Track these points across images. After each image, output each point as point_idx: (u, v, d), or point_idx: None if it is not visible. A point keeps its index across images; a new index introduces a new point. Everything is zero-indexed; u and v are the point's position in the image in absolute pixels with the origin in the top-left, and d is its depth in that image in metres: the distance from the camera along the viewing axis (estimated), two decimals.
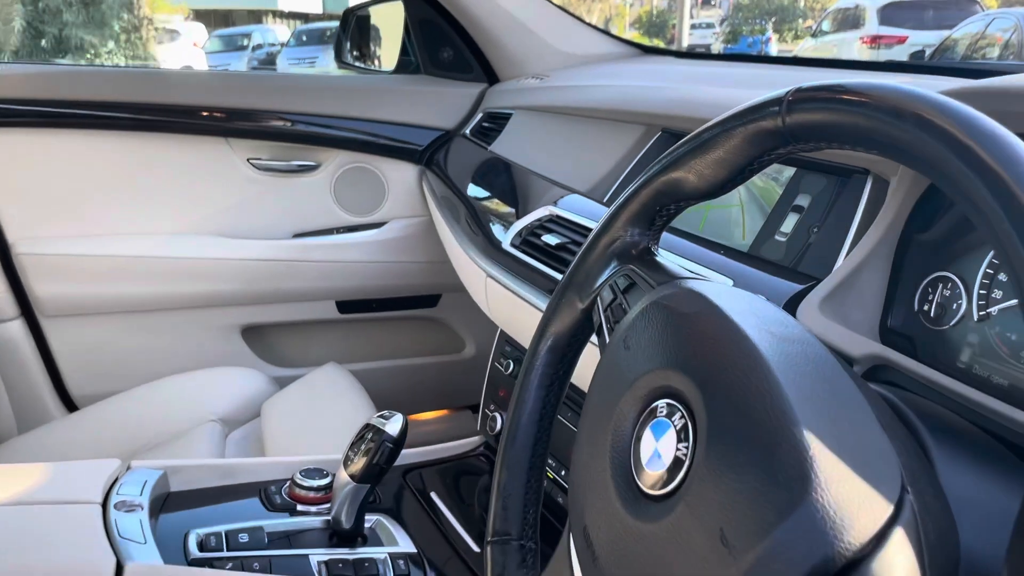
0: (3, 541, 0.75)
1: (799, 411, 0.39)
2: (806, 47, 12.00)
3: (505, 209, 1.25)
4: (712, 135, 0.51)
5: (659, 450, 0.44)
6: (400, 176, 1.65)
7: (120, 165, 1.53)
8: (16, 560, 0.73)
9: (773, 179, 0.91)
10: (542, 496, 0.62)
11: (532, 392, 0.62)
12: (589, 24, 1.62)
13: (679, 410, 0.44)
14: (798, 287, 0.74)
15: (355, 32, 1.81)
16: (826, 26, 11.55)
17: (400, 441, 0.85)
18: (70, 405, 1.62)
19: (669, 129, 1.05)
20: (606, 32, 1.64)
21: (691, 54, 1.54)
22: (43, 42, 7.86)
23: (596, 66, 1.55)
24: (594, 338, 0.59)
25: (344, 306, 1.69)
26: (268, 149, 1.60)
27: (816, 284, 0.71)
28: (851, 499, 0.36)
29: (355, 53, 1.82)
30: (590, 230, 1.00)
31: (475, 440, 1.15)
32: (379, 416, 0.86)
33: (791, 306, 0.72)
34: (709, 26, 19.70)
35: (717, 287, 0.50)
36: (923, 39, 9.11)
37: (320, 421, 1.38)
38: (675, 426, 0.43)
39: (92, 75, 1.51)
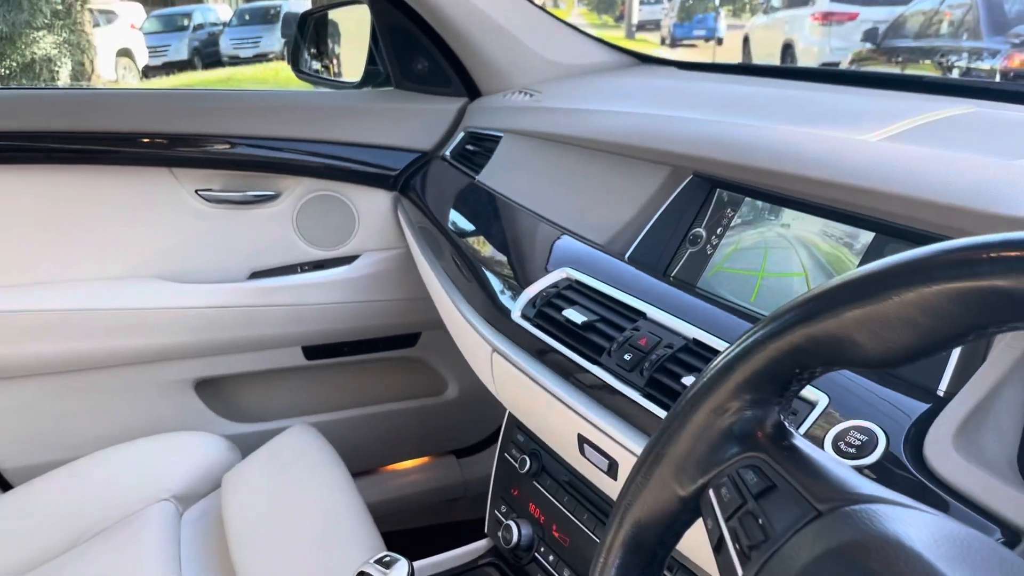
0: None
1: None
2: (756, 23, 11.95)
3: (501, 258, 1.07)
4: (902, 281, 0.34)
5: None
6: (372, 205, 1.47)
7: (44, 204, 1.32)
8: None
9: (846, 244, 0.76)
10: None
11: None
12: (579, 30, 1.45)
13: None
14: (896, 401, 0.59)
15: (314, 38, 1.61)
16: (776, 2, 11.51)
17: None
18: (1, 482, 1.41)
19: (703, 174, 0.89)
20: (600, 40, 1.46)
21: (694, 65, 1.38)
22: None
23: (592, 78, 1.38)
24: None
25: (311, 351, 1.51)
26: (219, 178, 1.40)
27: (936, 403, 0.56)
28: None
29: (315, 63, 1.62)
30: (617, 301, 0.84)
31: (483, 545, 0.99)
32: (378, 561, 0.69)
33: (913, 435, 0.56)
34: (658, 1, 19.58)
35: (926, 530, 0.33)
36: (873, 15, 9.10)
37: (288, 498, 1.20)
38: None
39: (8, 99, 1.29)
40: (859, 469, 0.54)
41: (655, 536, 0.45)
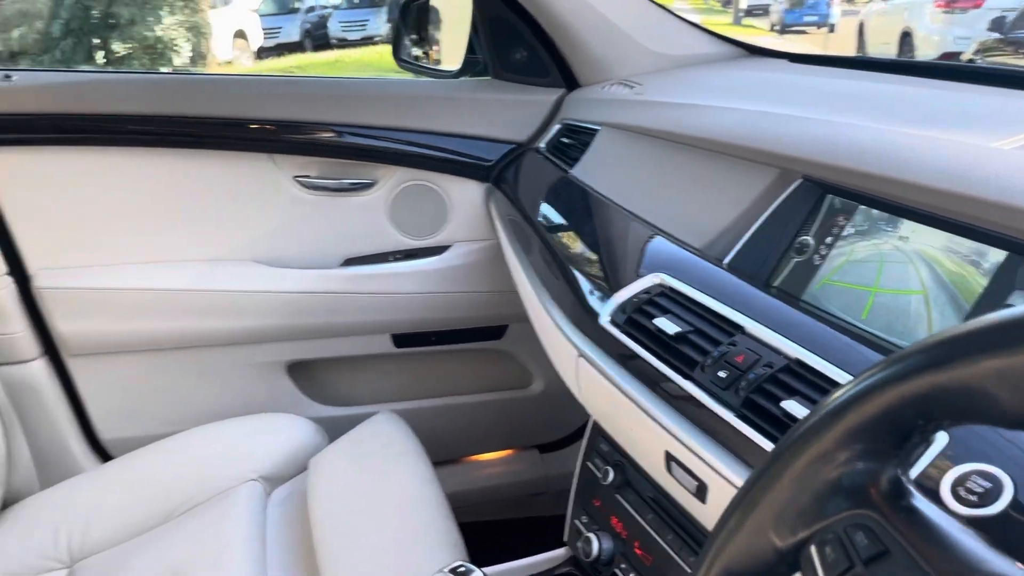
0: None
1: None
2: (872, 10, 11.37)
3: (593, 257, 1.04)
4: None
5: None
6: (465, 195, 1.45)
7: (150, 186, 1.36)
8: None
9: (972, 262, 0.69)
10: None
11: None
12: (686, 20, 1.39)
13: None
14: None
15: (415, 26, 1.60)
16: None
17: None
18: (100, 452, 1.47)
19: (814, 178, 0.83)
20: (706, 29, 1.40)
21: (807, 57, 1.30)
22: (94, 13, 7.76)
23: (696, 71, 1.33)
24: None
25: (400, 340, 1.51)
26: (318, 166, 1.41)
27: None
28: None
29: (415, 51, 1.61)
30: (713, 311, 0.79)
31: (561, 554, 0.96)
32: (451, 572, 0.67)
33: None
34: None
35: None
36: (1002, 2, 8.52)
37: (371, 486, 1.21)
38: None
39: (117, 84, 1.34)
40: (980, 520, 0.49)
41: None
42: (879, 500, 0.36)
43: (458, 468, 1.64)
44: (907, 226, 0.74)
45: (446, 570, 0.69)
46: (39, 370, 1.38)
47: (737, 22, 16.72)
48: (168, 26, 8.76)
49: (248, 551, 1.11)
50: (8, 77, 1.28)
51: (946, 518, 0.35)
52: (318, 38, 15.10)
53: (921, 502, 0.36)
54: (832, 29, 13.87)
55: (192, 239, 1.40)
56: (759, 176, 0.89)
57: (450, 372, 1.60)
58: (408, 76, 1.71)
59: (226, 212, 1.40)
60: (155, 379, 1.45)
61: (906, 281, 0.72)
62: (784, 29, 14.91)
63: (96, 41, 8.10)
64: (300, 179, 1.41)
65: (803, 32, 14.42)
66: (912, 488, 0.36)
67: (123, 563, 1.14)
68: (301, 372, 1.54)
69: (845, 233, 0.79)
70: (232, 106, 1.35)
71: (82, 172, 1.33)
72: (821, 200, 0.82)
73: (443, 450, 1.56)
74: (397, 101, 1.41)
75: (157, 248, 1.39)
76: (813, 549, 0.38)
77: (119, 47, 8.27)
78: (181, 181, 1.37)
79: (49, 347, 1.39)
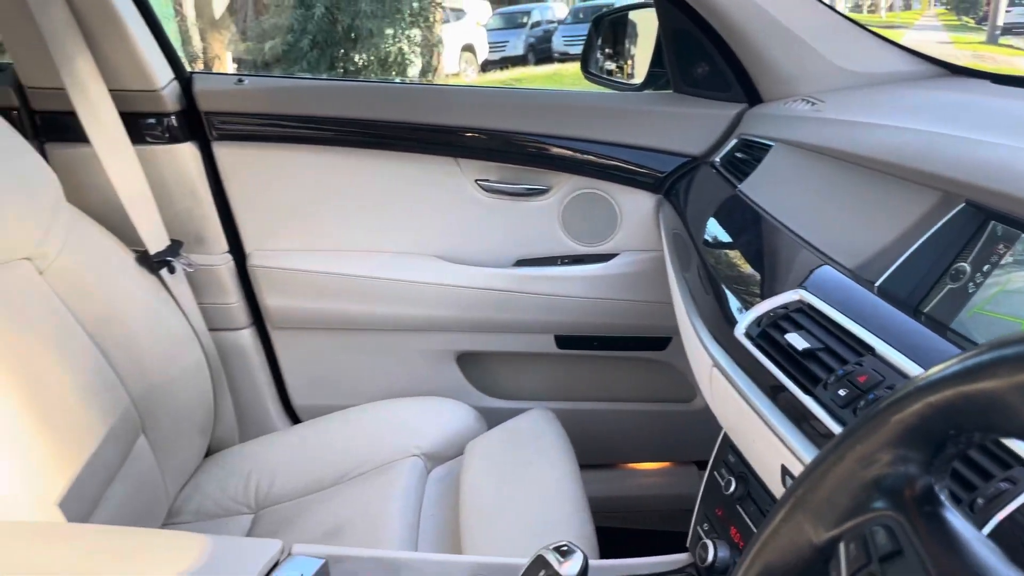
0: None
1: None
2: None
3: (742, 271, 1.03)
4: None
5: None
6: (635, 206, 1.48)
7: (351, 181, 1.52)
8: None
9: None
10: None
11: None
12: (882, 37, 1.33)
13: None
14: None
15: (604, 41, 1.66)
16: None
17: None
18: (291, 414, 1.66)
19: (977, 203, 0.78)
20: (903, 47, 1.33)
21: (1011, 79, 1.20)
22: (338, 27, 8.57)
23: (883, 89, 1.27)
24: None
25: (563, 341, 1.57)
26: (497, 170, 1.51)
27: None
28: None
29: (602, 65, 1.66)
30: (845, 330, 0.77)
31: (682, 559, 0.97)
32: (557, 548, 0.72)
33: None
34: None
35: None
36: None
37: (519, 474, 1.27)
38: None
39: (328, 90, 1.50)
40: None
41: None
42: (909, 503, 0.36)
43: (608, 473, 1.67)
44: None
45: (551, 547, 0.73)
46: (247, 338, 1.58)
47: (992, 40, 15.19)
48: (404, 40, 9.45)
49: (404, 520, 1.22)
50: (240, 81, 1.49)
51: (974, 531, 0.35)
52: (541, 52, 15.56)
53: (951, 512, 0.36)
54: None
55: (382, 232, 1.54)
56: (921, 198, 0.85)
57: (609, 378, 1.63)
58: (594, 89, 1.77)
59: (413, 209, 1.53)
60: (342, 355, 1.61)
61: None
62: None
63: (340, 52, 8.93)
64: (480, 182, 1.51)
65: None
66: (942, 497, 0.36)
67: (297, 515, 1.28)
68: (468, 362, 1.64)
69: (1004, 262, 0.75)
70: (425, 113, 1.48)
71: (295, 167, 1.51)
72: (983, 226, 0.78)
73: (594, 453, 1.59)
74: (578, 112, 1.47)
75: (352, 238, 1.54)
76: (842, 546, 0.39)
77: (358, 59, 9.06)
78: (376, 179, 1.51)
79: (257, 318, 1.59)
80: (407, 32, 9.47)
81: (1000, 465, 0.52)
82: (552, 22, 16.47)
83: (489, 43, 14.85)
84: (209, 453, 1.45)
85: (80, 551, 0.79)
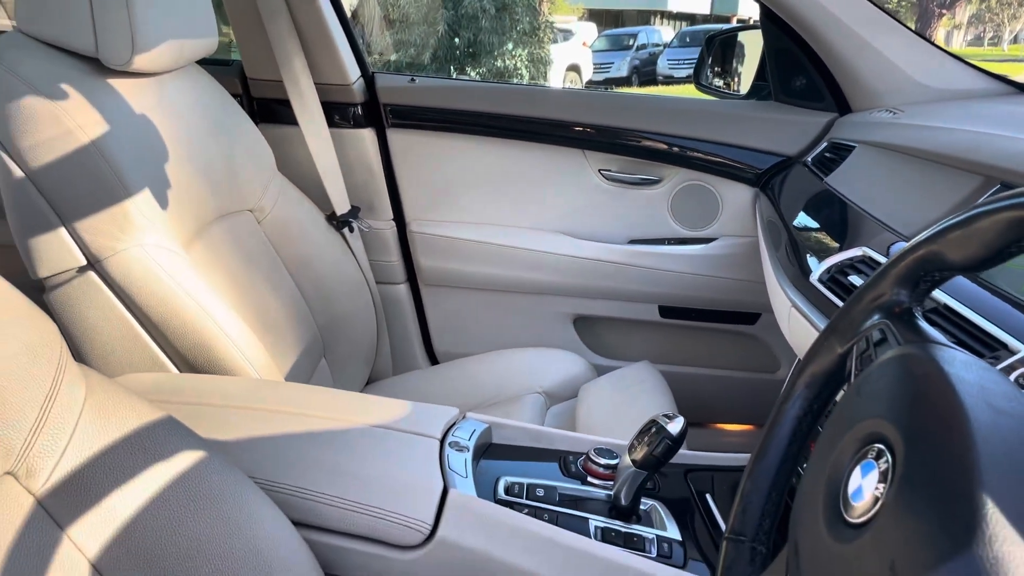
0: (368, 453, 0.99)
1: (985, 474, 0.44)
2: None
3: (823, 241, 1.28)
4: (975, 214, 0.55)
5: (863, 486, 0.51)
6: (735, 196, 1.74)
7: (495, 166, 1.83)
8: (373, 469, 0.97)
9: None
10: (780, 510, 0.70)
11: (786, 418, 0.70)
12: (957, 57, 1.54)
13: (886, 456, 0.50)
14: None
15: (715, 57, 1.92)
16: None
17: (678, 440, 0.97)
18: (432, 357, 1.97)
19: (1009, 184, 1.01)
20: (974, 65, 1.54)
21: None
22: (456, 41, 9.11)
23: (958, 104, 1.48)
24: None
25: (666, 311, 1.83)
26: (617, 162, 1.79)
27: None
28: (1014, 558, 0.41)
29: (713, 77, 1.93)
30: None
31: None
32: (664, 415, 0.98)
33: None
34: None
35: (954, 354, 0.54)
36: None
37: (625, 411, 1.53)
38: (879, 468, 0.50)
39: (481, 90, 1.82)
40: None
41: (821, 381, 0.68)
42: (896, 314, 0.62)
43: (697, 431, 1.91)
44: None
45: (661, 414, 0.99)
46: (403, 291, 1.91)
47: None
48: (517, 56, 9.90)
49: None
50: (413, 80, 1.82)
51: (931, 328, 0.61)
52: (645, 74, 15.72)
53: (920, 319, 0.62)
54: None
55: (519, 209, 1.84)
56: (966, 182, 1.08)
57: (703, 345, 1.88)
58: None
59: (545, 192, 1.82)
60: (479, 311, 1.92)
61: None
62: None
63: (456, 67, 9.45)
64: (603, 172, 1.79)
65: None
66: (916, 311, 0.62)
67: None
68: (583, 325, 1.92)
69: None
70: (560, 111, 1.77)
71: (452, 152, 1.83)
72: None
73: (686, 411, 1.82)
74: (690, 115, 1.73)
75: (493, 213, 1.85)
76: (854, 346, 0.64)
77: (473, 73, 9.56)
78: (517, 165, 1.82)
79: (411, 276, 1.92)
80: (518, 51, 9.91)
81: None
82: (658, 45, 16.57)
83: (594, 64, 15.09)
84: (369, 383, 1.77)
85: (313, 398, 1.09)
